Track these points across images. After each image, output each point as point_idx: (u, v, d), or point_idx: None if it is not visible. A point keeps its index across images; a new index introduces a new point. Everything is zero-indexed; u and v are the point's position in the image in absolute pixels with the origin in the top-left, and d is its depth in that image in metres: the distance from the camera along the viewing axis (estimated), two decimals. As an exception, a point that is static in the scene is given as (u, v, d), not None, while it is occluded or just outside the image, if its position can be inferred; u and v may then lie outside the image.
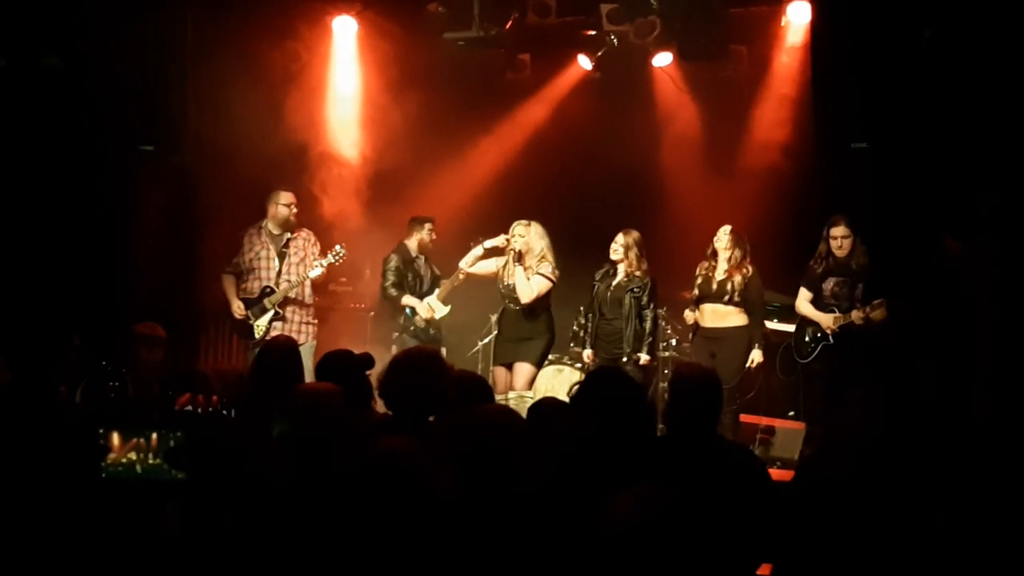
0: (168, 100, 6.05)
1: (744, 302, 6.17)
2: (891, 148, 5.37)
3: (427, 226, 6.96)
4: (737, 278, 6.15)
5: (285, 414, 2.56)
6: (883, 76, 5.39)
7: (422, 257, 6.97)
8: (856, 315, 5.83)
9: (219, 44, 6.75)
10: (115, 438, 1.43)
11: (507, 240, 6.32)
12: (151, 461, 1.42)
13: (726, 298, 6.15)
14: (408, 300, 6.76)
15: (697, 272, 6.33)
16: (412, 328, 6.77)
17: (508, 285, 6.31)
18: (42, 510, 1.86)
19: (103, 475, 1.40)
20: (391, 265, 6.82)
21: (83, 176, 6.14)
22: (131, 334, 5.49)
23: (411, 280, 6.84)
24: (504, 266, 6.35)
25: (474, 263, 6.46)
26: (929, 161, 5.41)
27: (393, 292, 6.77)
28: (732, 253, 6.17)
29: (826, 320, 6.06)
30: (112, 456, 1.41)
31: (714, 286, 6.20)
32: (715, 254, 6.25)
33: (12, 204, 6.28)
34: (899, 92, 5.40)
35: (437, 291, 6.83)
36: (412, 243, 6.94)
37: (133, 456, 1.43)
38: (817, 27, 6.35)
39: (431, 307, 6.78)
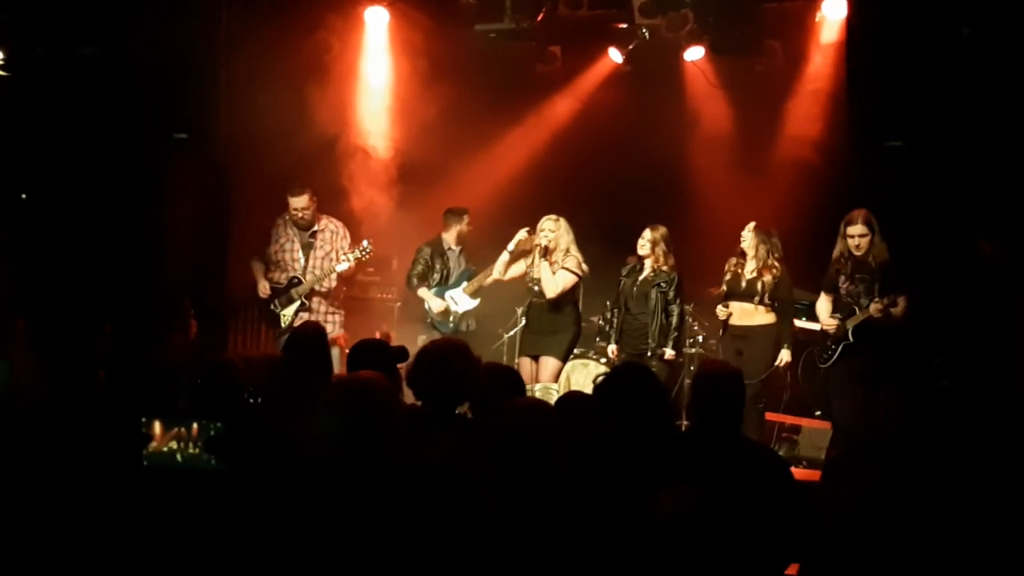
0: (201, 89, 6.10)
1: (773, 301, 6.12)
2: (926, 147, 5.29)
3: (465, 217, 6.95)
4: (767, 278, 6.08)
5: (330, 404, 2.46)
6: (920, 74, 5.31)
7: (456, 249, 6.97)
8: (874, 307, 5.68)
9: (252, 34, 6.78)
10: (157, 427, 1.45)
11: (528, 233, 6.33)
12: (191, 450, 1.44)
13: (756, 298, 6.10)
14: (422, 293, 6.80)
15: (726, 268, 6.28)
16: (429, 320, 6.81)
17: (535, 279, 6.32)
18: (85, 498, 1.90)
19: (144, 463, 1.43)
20: (421, 255, 6.86)
21: (117, 163, 6.20)
22: (167, 310, 5.47)
23: (439, 272, 6.86)
24: (531, 261, 6.36)
25: (506, 270, 6.45)
26: (964, 161, 5.33)
27: (412, 283, 6.84)
28: (758, 251, 6.11)
29: (824, 320, 5.99)
30: (153, 445, 1.44)
31: (743, 284, 6.15)
32: (744, 252, 6.20)
33: (47, 191, 6.38)
34: (936, 90, 5.32)
35: (465, 284, 6.84)
36: (449, 235, 6.94)
37: (174, 445, 1.45)
38: (853, 23, 6.28)
39: (453, 299, 6.81)
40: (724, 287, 6.26)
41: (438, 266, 6.86)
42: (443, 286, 6.85)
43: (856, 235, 5.79)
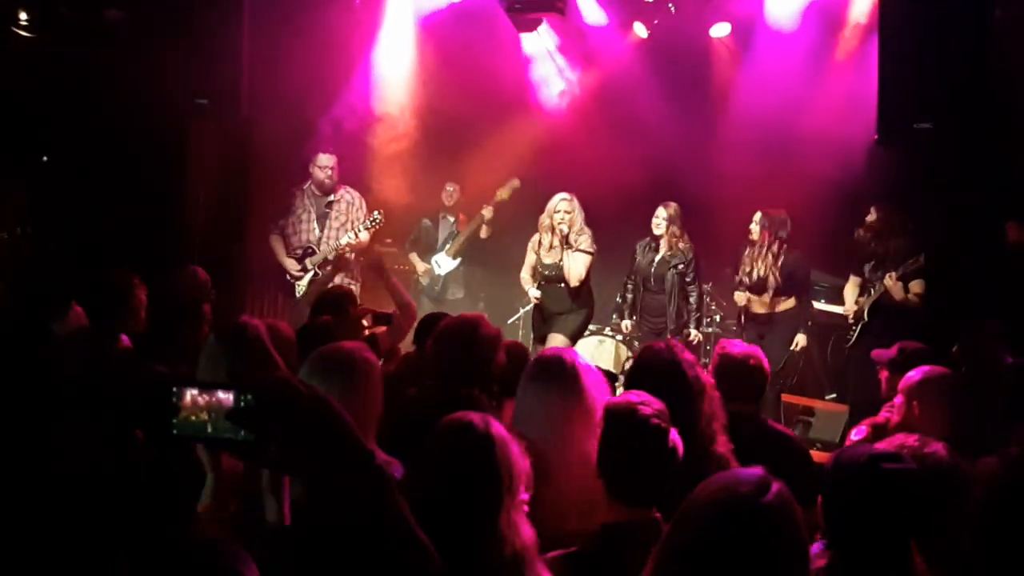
0: (225, 55, 6.05)
1: (788, 288, 6.13)
2: (956, 129, 5.20)
3: (447, 187, 7.40)
4: (775, 271, 6.10)
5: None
6: (952, 53, 5.20)
7: (451, 219, 7.36)
8: (888, 281, 5.77)
9: (277, 1, 6.73)
10: (188, 396, 1.44)
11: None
12: (222, 420, 1.43)
13: (770, 292, 6.13)
14: (411, 258, 7.35)
15: (744, 258, 6.28)
16: (420, 287, 7.24)
17: (549, 264, 6.24)
18: (114, 462, 1.90)
19: (174, 432, 1.42)
20: (418, 225, 7.37)
21: (138, 127, 6.18)
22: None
23: (433, 238, 7.31)
24: (539, 245, 6.28)
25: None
26: (995, 143, 5.24)
27: (406, 248, 7.40)
28: (763, 240, 6.12)
29: (848, 305, 6.10)
30: (184, 414, 1.42)
31: (756, 277, 6.16)
32: (755, 243, 6.21)
33: (68, 154, 6.36)
34: (968, 71, 5.20)
35: (448, 246, 7.00)
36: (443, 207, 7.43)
37: (205, 416, 1.44)
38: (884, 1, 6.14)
39: (437, 263, 7.21)
40: (744, 277, 6.25)
41: (431, 235, 7.32)
42: (432, 252, 7.28)
43: (874, 223, 5.89)
